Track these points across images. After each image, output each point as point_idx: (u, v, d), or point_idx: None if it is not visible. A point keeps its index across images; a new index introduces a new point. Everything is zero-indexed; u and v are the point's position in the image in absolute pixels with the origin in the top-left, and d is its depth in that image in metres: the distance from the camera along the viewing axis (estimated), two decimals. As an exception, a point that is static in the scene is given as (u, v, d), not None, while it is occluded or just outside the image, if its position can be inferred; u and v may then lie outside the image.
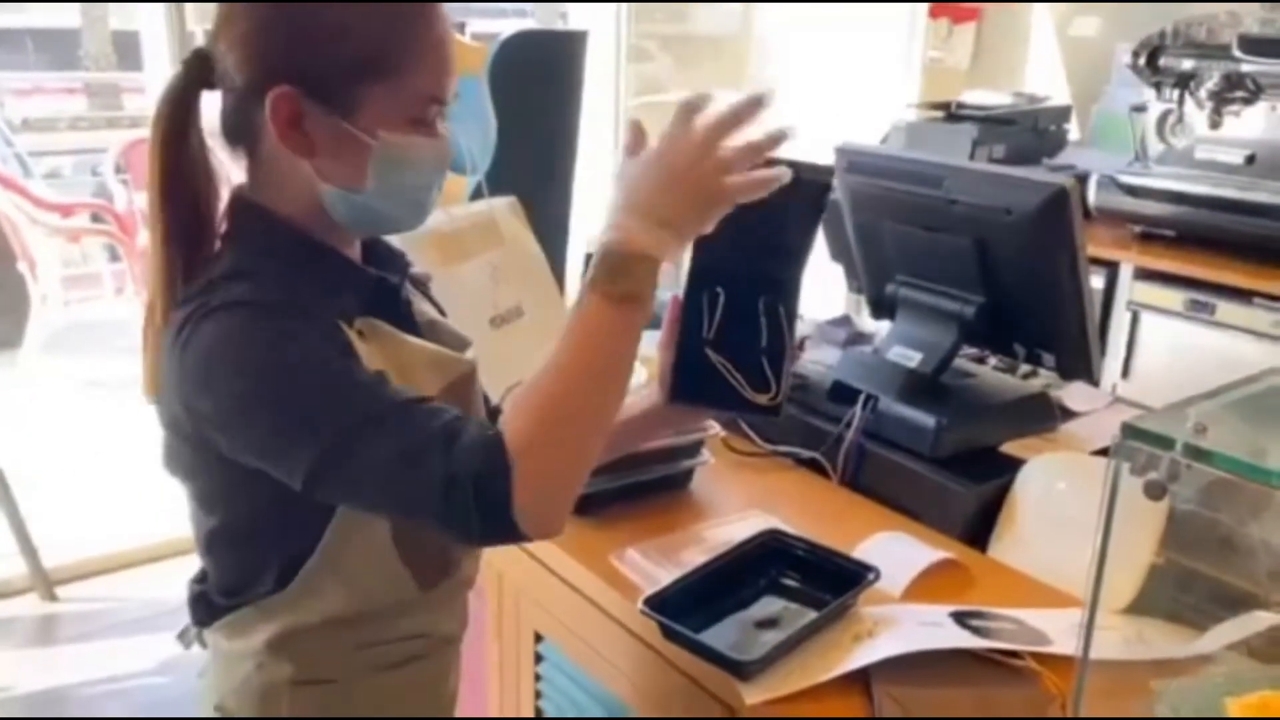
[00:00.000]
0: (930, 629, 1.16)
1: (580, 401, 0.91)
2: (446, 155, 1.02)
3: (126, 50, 6.60)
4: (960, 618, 1.19)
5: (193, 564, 1.16)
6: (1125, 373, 2.89)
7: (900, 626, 1.17)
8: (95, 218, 4.72)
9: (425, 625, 1.11)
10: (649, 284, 0.92)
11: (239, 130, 0.99)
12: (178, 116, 0.98)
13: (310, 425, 0.89)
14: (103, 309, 4.67)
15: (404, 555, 1.04)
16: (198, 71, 0.97)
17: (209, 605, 1.08)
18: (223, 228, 1.02)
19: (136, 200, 4.62)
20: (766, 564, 1.28)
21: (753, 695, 1.08)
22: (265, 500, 0.97)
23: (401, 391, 0.92)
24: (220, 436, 0.94)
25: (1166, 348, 2.81)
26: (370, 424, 0.88)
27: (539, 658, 1.48)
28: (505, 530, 0.88)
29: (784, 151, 0.99)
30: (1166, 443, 0.89)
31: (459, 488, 0.86)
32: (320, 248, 1.01)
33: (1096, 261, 2.86)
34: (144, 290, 3.90)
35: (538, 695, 1.50)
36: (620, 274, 0.91)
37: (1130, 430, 0.90)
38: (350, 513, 0.98)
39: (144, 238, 4.49)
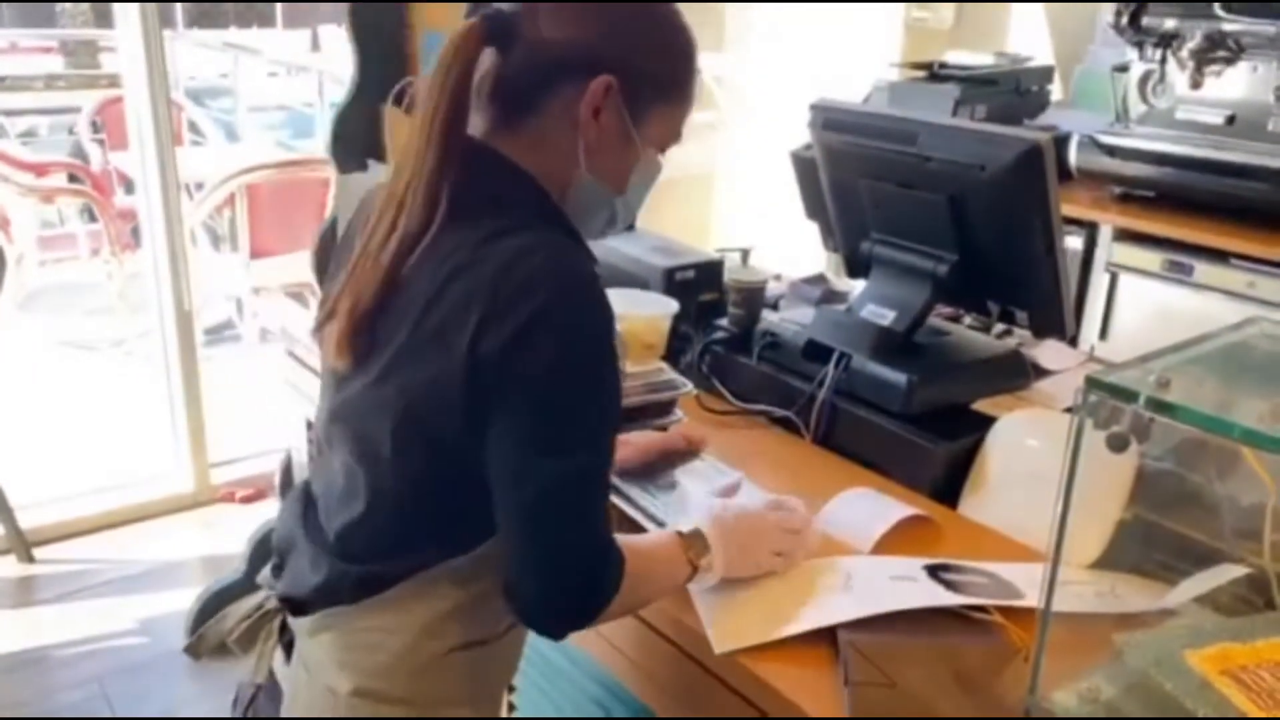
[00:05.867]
0: (903, 583, 1.17)
1: (639, 601, 1.10)
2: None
3: (104, 8, 6.50)
4: (934, 570, 1.19)
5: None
6: (1103, 334, 2.90)
7: (873, 582, 1.17)
8: (72, 178, 4.66)
9: None
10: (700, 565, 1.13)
11: (519, 93, 1.02)
12: (469, 65, 1.00)
13: (561, 450, 0.95)
14: (79, 269, 4.63)
15: None
16: (495, 29, 1.00)
17: (372, 579, 1.03)
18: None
19: (112, 160, 4.57)
20: None
21: (722, 645, 1.08)
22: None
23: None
24: (499, 367, 0.94)
25: (1144, 309, 2.81)
26: (584, 495, 0.97)
27: (511, 615, 1.48)
28: (548, 628, 1.02)
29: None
30: (1129, 396, 0.89)
31: (589, 609, 0.99)
32: (573, 226, 1.06)
33: (1076, 222, 2.86)
34: (115, 248, 3.77)
35: (510, 652, 1.51)
36: (701, 552, 1.12)
37: (1094, 383, 0.90)
38: None
39: (122, 196, 4.41)
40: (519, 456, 0.95)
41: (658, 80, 1.04)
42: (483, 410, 0.95)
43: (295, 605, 1.09)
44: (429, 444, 0.99)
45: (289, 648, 1.11)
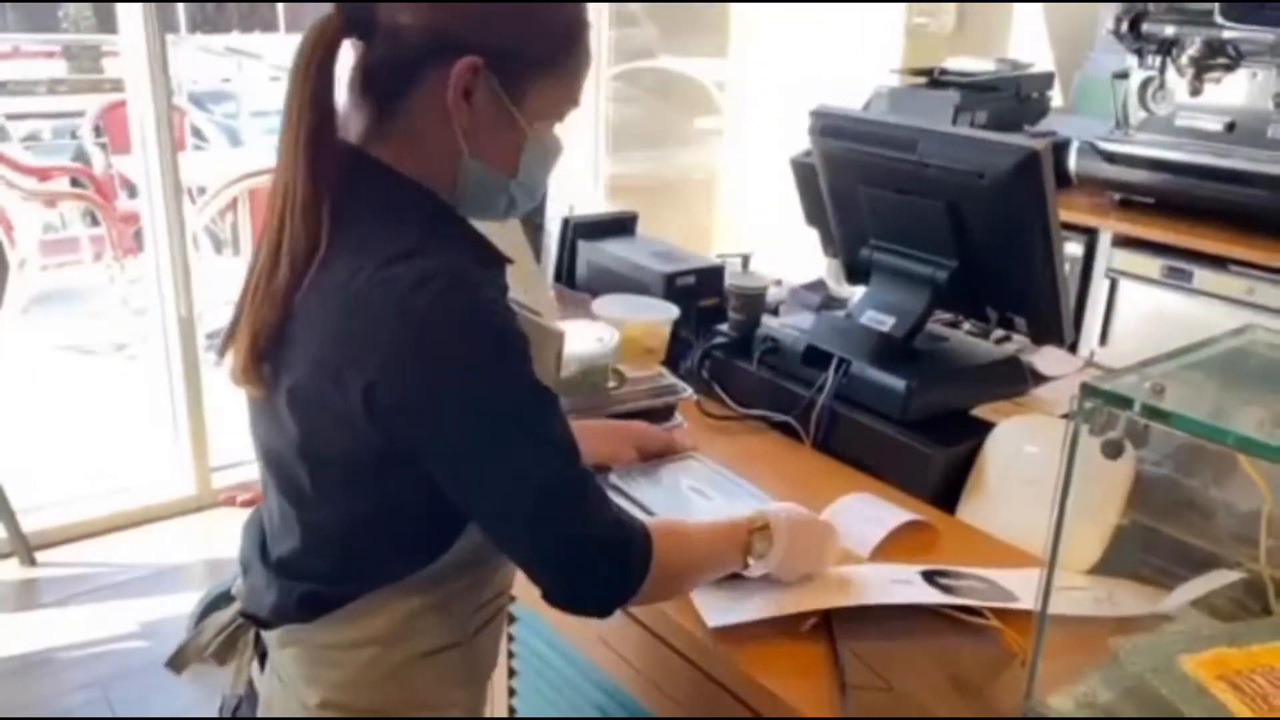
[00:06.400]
0: (900, 586, 1.17)
1: (695, 580, 1.13)
2: (562, 154, 1.07)
3: (106, 12, 6.52)
4: (930, 576, 1.20)
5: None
6: (1103, 339, 2.90)
7: (870, 583, 1.18)
8: (74, 182, 4.67)
9: (507, 579, 1.14)
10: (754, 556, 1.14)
11: (386, 84, 0.96)
12: (327, 61, 0.94)
13: (517, 480, 0.93)
14: (81, 274, 4.63)
15: None
16: (352, 21, 0.95)
17: (320, 599, 1.02)
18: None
19: (114, 164, 4.58)
20: None
21: (715, 620, 1.10)
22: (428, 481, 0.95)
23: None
24: (406, 426, 0.91)
25: (1144, 315, 2.82)
26: (566, 500, 0.95)
27: (511, 619, 1.48)
28: (589, 612, 1.02)
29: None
30: (1124, 402, 0.89)
31: (620, 592, 0.99)
32: (468, 225, 1.02)
33: (1076, 228, 2.87)
34: (118, 252, 3.76)
35: (511, 655, 1.51)
36: (761, 544, 1.13)
37: (1089, 390, 0.90)
38: None
39: (125, 200, 4.40)
40: (482, 499, 0.94)
41: (532, 53, 0.97)
42: (400, 455, 0.93)
43: (258, 622, 1.08)
44: (346, 482, 0.97)
45: (264, 658, 1.10)
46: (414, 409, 0.91)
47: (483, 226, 1.05)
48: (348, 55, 0.97)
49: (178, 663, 1.15)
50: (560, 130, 1.06)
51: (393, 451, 0.93)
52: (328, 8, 0.96)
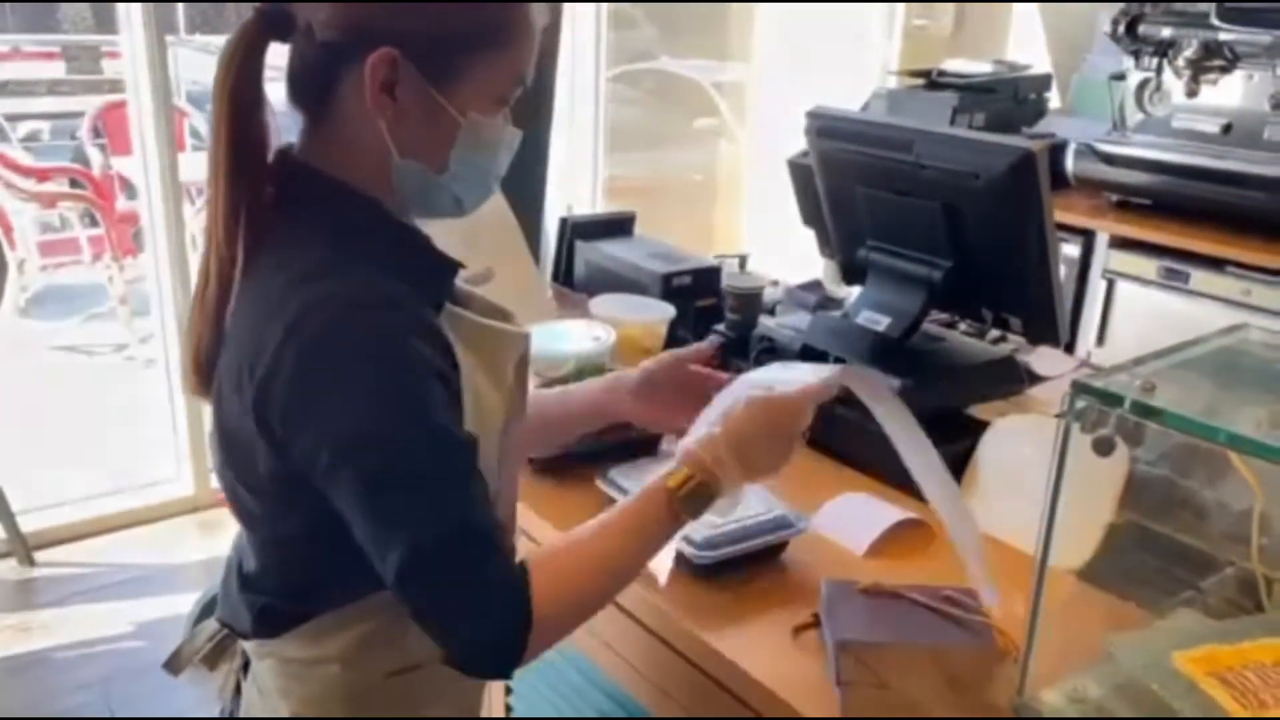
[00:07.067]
0: None
1: (613, 588, 0.99)
2: (517, 142, 1.01)
3: (105, 13, 6.53)
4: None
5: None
6: (1100, 340, 2.91)
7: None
8: (74, 182, 4.67)
9: None
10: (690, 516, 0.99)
11: (311, 88, 0.94)
12: (249, 71, 0.91)
13: (401, 522, 0.88)
14: (81, 274, 4.64)
15: None
16: (271, 23, 0.91)
17: (279, 615, 1.00)
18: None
19: (113, 164, 4.58)
20: None
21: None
22: None
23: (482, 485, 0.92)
24: (290, 452, 0.89)
25: (1141, 316, 2.82)
26: (455, 542, 0.89)
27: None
28: (486, 676, 1.02)
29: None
30: (1115, 400, 0.90)
31: (505, 648, 0.91)
32: (405, 230, 0.98)
33: (1073, 230, 2.88)
34: (117, 253, 3.77)
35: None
36: (702, 503, 0.99)
37: (1080, 388, 0.91)
38: None
39: (124, 201, 4.39)
40: (364, 534, 0.90)
41: (455, 36, 0.91)
42: (307, 486, 0.90)
43: (235, 631, 1.07)
44: (281, 503, 0.95)
45: (248, 667, 1.09)
46: (293, 437, 0.89)
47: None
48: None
49: (174, 665, 1.14)
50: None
51: (305, 484, 0.90)
52: None
